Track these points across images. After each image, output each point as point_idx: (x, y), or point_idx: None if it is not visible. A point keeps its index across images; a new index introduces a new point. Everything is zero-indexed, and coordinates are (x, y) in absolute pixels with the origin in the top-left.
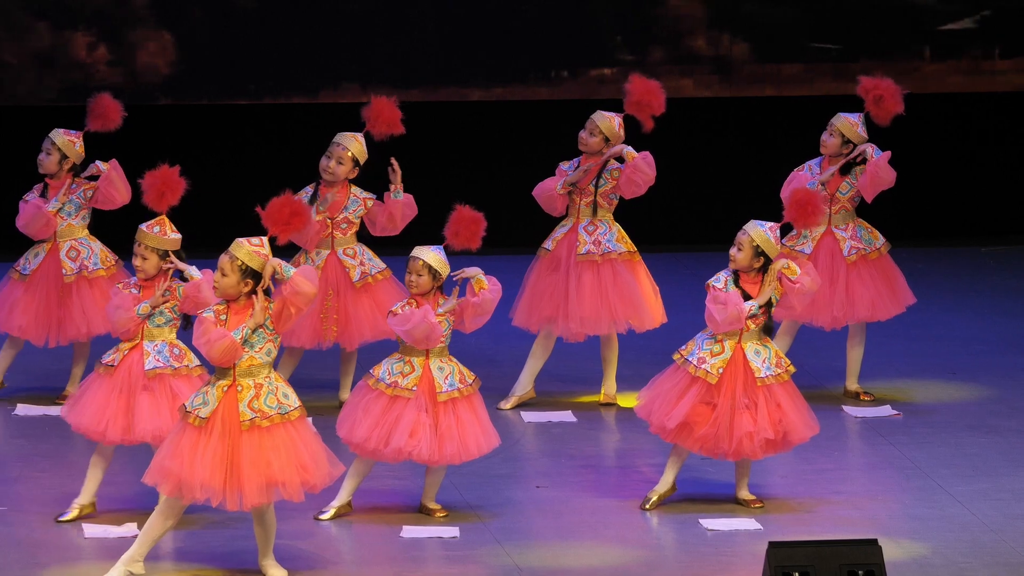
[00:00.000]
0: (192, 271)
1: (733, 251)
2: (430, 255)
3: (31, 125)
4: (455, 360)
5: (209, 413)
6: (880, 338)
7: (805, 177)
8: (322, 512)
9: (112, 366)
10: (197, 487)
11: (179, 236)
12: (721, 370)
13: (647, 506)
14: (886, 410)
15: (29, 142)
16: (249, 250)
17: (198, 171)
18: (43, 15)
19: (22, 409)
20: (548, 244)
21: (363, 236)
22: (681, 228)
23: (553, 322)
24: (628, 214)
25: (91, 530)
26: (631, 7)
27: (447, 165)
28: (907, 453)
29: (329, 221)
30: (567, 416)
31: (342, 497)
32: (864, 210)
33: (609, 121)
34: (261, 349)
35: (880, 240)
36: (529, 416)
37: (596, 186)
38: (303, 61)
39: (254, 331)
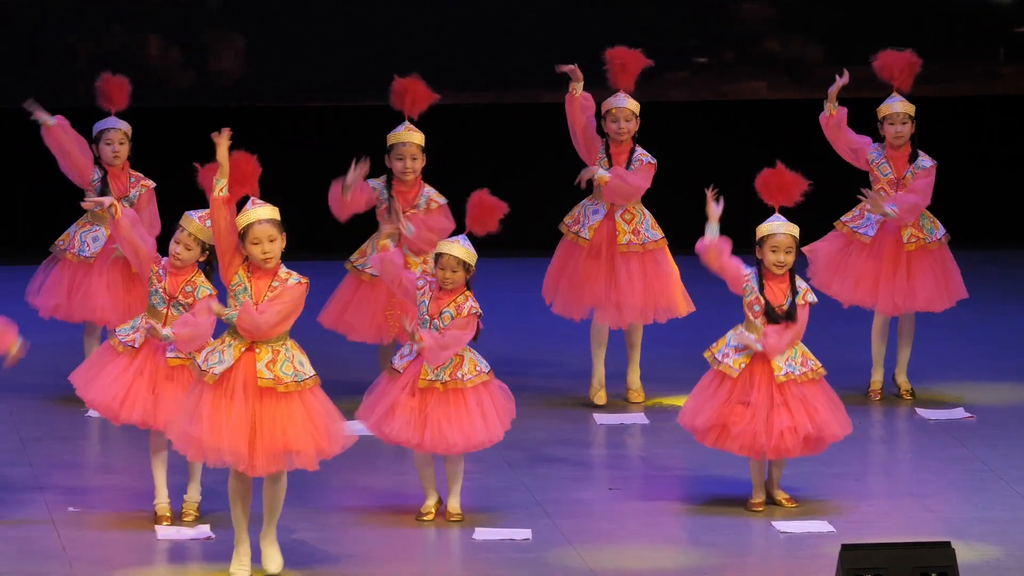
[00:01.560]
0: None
1: (781, 257)
2: (459, 249)
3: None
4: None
5: (224, 370)
6: (944, 337)
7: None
8: (423, 515)
9: (133, 347)
10: (224, 451)
11: None
12: (743, 365)
13: (752, 509)
14: (959, 412)
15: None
16: (271, 208)
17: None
18: (117, 18)
19: (95, 411)
20: (584, 232)
21: None
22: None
23: (599, 309)
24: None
25: (164, 531)
26: (704, 9)
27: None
28: (979, 455)
29: (400, 215)
30: (640, 418)
31: (431, 495)
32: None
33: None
34: None
35: (941, 231)
36: (601, 418)
37: (628, 168)
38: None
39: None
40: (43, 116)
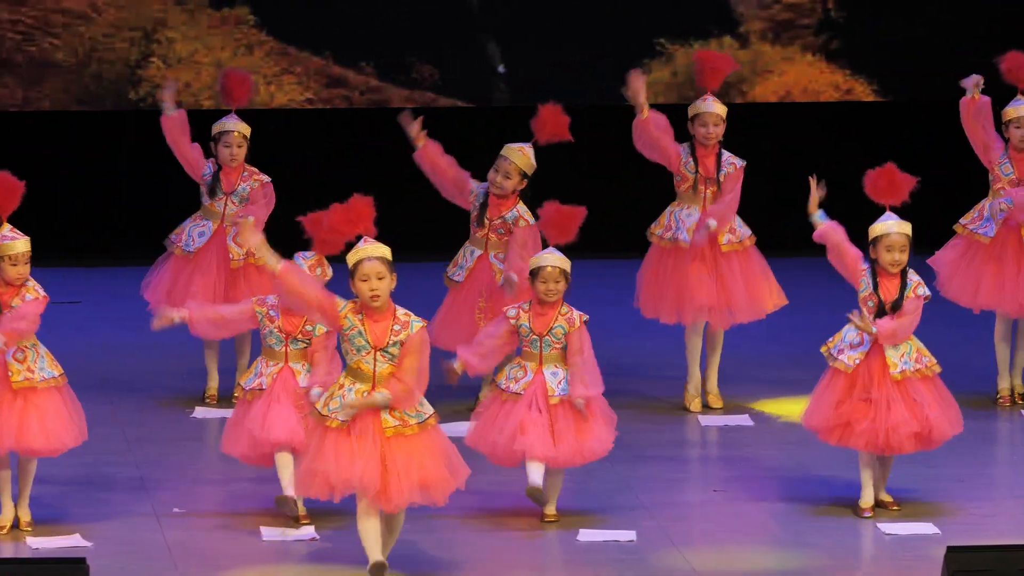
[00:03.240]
0: None
1: (896, 256)
2: (557, 259)
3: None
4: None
5: (348, 418)
6: None
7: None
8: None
9: (261, 389)
10: (354, 479)
11: None
12: (857, 361)
13: (863, 515)
14: None
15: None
16: (382, 248)
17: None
18: None
19: (200, 412)
20: (682, 235)
21: None
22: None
23: (712, 312)
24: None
25: (269, 533)
26: None
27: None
28: None
29: (487, 222)
30: (744, 420)
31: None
32: None
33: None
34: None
35: None
36: (706, 420)
37: (718, 176)
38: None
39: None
40: (167, 102)
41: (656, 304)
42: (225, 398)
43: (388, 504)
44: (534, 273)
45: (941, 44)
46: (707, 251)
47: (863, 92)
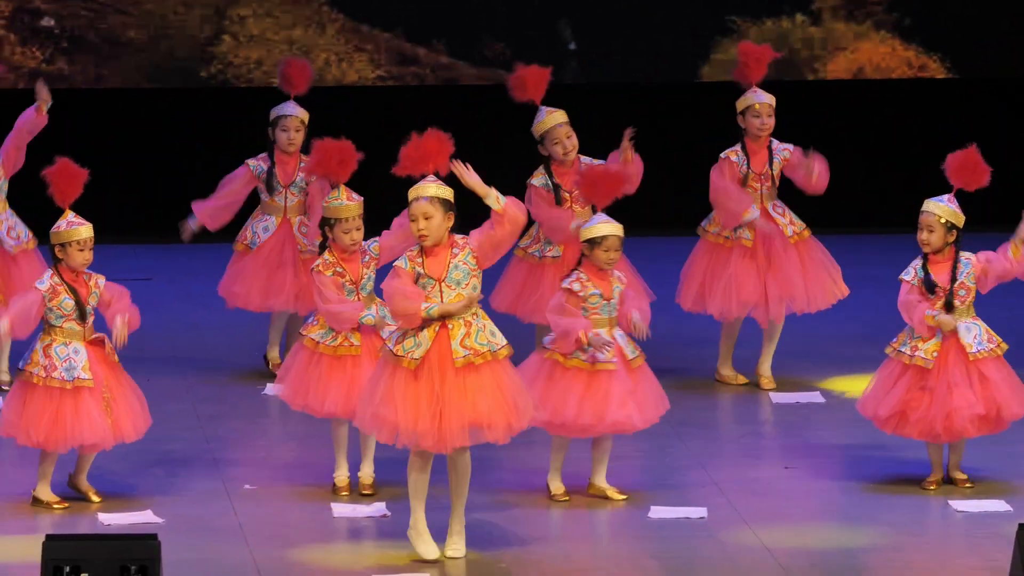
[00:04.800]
0: None
1: (923, 235)
2: (616, 227)
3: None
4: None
5: (423, 354)
6: None
7: None
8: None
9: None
10: (419, 433)
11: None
12: (935, 354)
13: (927, 487)
14: None
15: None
16: (437, 186)
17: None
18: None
19: (271, 388)
20: (744, 233)
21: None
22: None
23: (772, 304)
24: (887, 194)
25: (340, 509)
26: None
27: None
28: None
29: (567, 194)
30: (815, 397)
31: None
32: None
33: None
34: (467, 285)
35: None
36: (777, 397)
37: (771, 167)
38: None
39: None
40: (188, 228)
41: (703, 299)
42: None
43: (440, 445)
44: (594, 242)
45: (1015, 20)
46: (771, 244)
47: (936, 69)
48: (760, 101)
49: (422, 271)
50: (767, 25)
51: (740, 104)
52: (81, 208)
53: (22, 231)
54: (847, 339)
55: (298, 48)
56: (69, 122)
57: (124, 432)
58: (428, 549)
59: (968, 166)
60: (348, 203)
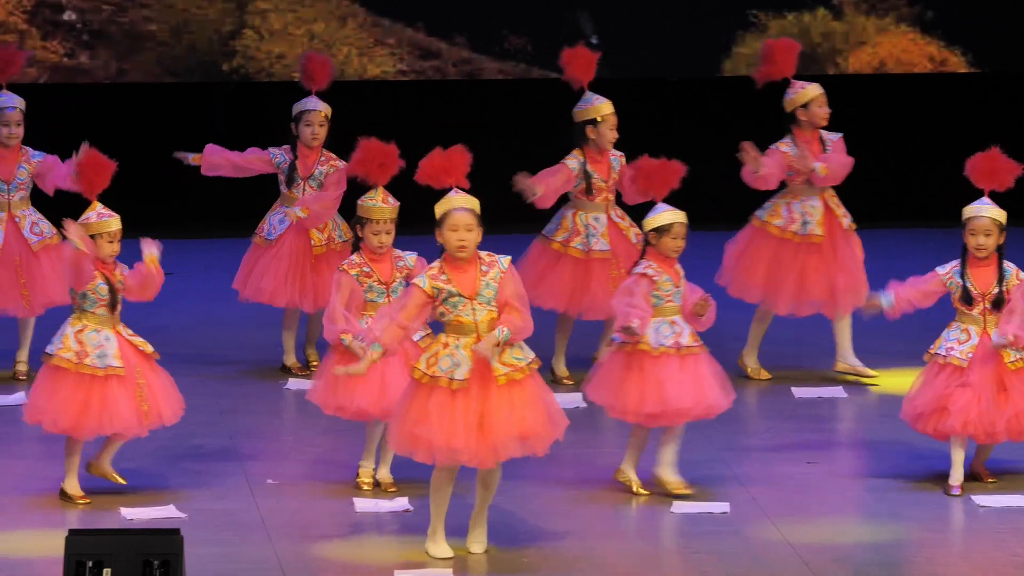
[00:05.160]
0: None
1: (980, 240)
2: (681, 214)
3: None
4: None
5: (467, 374)
6: None
7: None
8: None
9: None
10: (458, 450)
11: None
12: (970, 355)
13: (951, 492)
14: None
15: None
16: (470, 199)
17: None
18: None
19: (293, 383)
20: (814, 228)
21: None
22: None
23: (841, 296)
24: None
25: (362, 504)
26: None
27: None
28: None
29: (603, 184)
30: (838, 392)
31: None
32: None
33: None
34: (494, 304)
35: None
36: (799, 392)
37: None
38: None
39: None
40: (187, 157)
41: (772, 295)
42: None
43: (489, 457)
44: (662, 230)
45: None
46: (835, 237)
47: (958, 63)
48: (820, 92)
49: (453, 289)
50: (789, 19)
51: (799, 100)
52: (102, 202)
53: (45, 227)
54: (871, 333)
55: (319, 42)
56: (90, 117)
57: (164, 416)
58: (446, 551)
59: (996, 168)
60: (382, 205)
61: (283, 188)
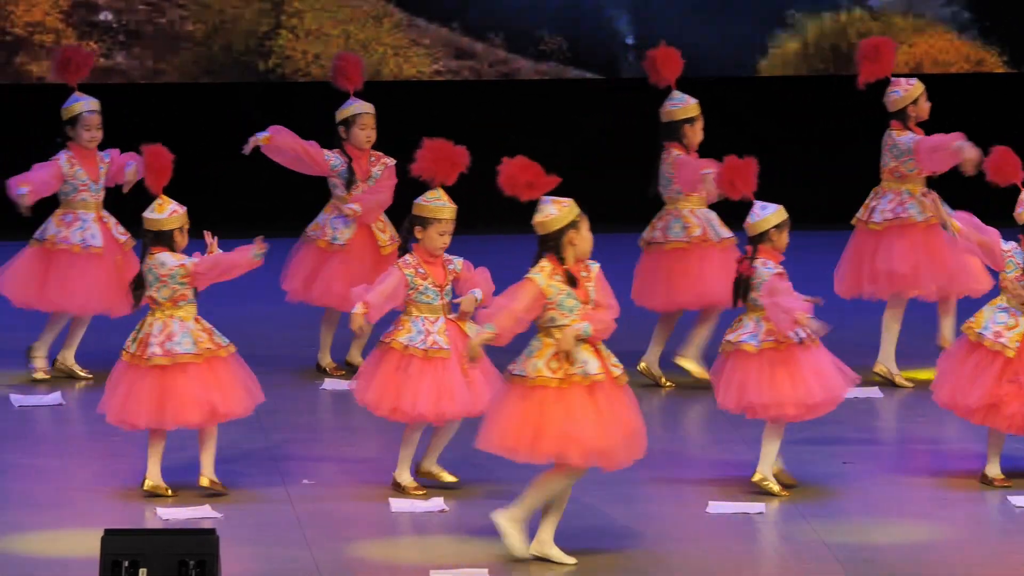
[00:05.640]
0: None
1: None
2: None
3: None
4: None
5: (599, 369)
6: None
7: None
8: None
9: (440, 347)
10: (604, 451)
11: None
12: (1018, 343)
13: (993, 484)
14: None
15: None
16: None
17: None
18: None
19: (329, 383)
20: (916, 216)
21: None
22: None
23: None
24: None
25: (398, 504)
26: None
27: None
28: None
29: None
30: (874, 392)
31: None
32: None
33: None
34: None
35: None
36: None
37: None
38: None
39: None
40: (255, 138)
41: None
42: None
43: (616, 464)
44: (780, 227)
45: None
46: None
47: (994, 63)
48: (923, 89)
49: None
50: (826, 19)
51: (910, 96)
52: (141, 202)
53: (123, 228)
54: (907, 333)
55: (355, 43)
56: (127, 117)
57: (255, 397)
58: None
59: (1008, 164)
60: (449, 205)
61: (338, 191)
